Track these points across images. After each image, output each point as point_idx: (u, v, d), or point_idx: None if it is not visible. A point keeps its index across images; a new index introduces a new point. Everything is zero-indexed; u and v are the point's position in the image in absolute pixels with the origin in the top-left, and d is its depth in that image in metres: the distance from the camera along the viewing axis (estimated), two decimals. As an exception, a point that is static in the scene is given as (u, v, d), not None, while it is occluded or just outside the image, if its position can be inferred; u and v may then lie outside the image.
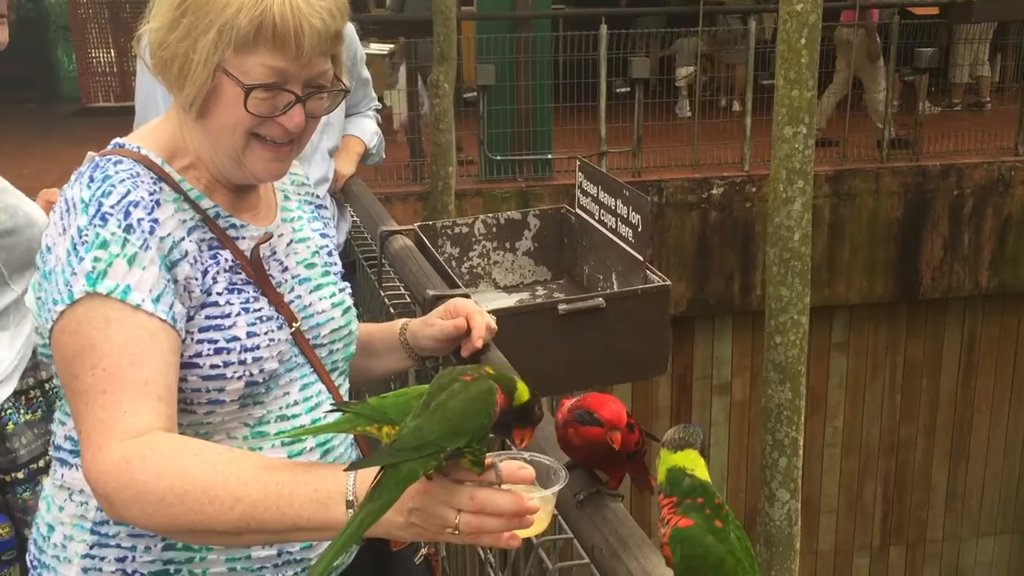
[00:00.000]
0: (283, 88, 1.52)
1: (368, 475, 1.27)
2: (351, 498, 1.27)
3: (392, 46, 8.79)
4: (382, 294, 2.92)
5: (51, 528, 1.61)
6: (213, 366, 1.52)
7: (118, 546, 1.55)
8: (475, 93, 8.44)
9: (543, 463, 1.45)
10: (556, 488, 1.40)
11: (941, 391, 9.37)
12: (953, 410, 9.43)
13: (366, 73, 3.82)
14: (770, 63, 8.06)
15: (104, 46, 13.90)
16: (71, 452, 1.59)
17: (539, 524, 1.38)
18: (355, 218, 3.68)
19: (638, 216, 2.91)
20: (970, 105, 11.28)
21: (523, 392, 1.32)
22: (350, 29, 3.64)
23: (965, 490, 9.63)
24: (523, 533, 1.30)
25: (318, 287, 1.72)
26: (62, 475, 1.61)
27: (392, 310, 2.79)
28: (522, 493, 1.26)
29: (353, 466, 1.29)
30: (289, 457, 1.61)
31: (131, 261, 1.44)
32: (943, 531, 9.68)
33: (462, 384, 1.29)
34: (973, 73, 11.13)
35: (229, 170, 1.59)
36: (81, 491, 1.57)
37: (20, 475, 2.29)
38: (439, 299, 2.24)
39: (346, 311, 1.76)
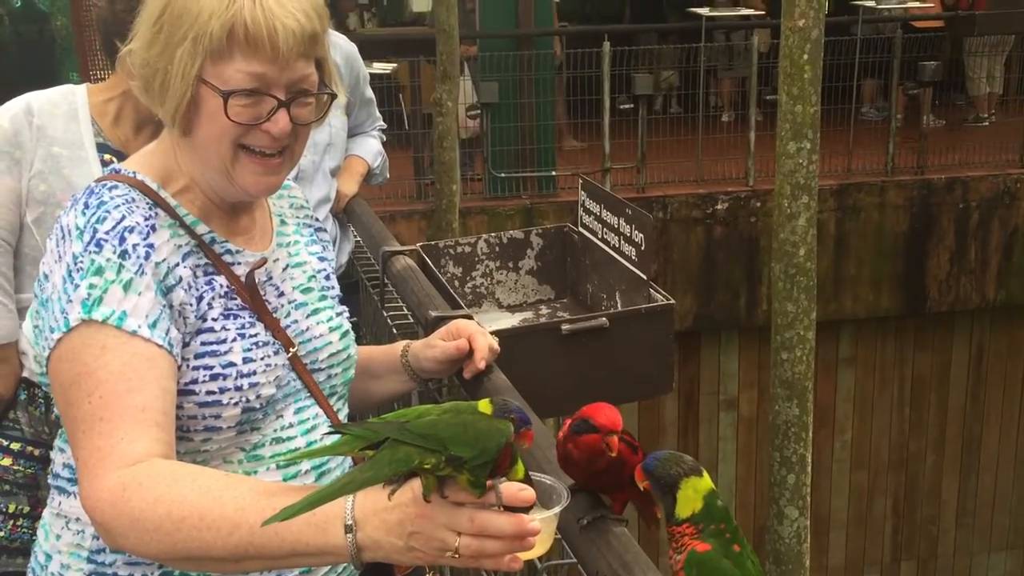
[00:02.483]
0: (264, 93, 1.50)
1: (368, 502, 1.26)
2: (349, 522, 1.25)
3: (395, 65, 8.79)
4: (385, 314, 2.91)
5: (48, 556, 1.60)
6: (209, 392, 1.50)
7: (115, 575, 1.53)
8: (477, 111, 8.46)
9: (544, 484, 1.43)
10: (557, 509, 1.38)
11: (950, 405, 9.32)
12: (962, 424, 9.37)
13: (370, 93, 3.81)
14: (772, 77, 8.05)
15: (109, 68, 13.90)
16: (69, 480, 1.58)
17: (541, 546, 1.37)
18: (358, 238, 3.67)
19: (641, 235, 2.90)
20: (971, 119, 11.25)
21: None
22: (353, 49, 3.64)
23: (976, 504, 9.56)
24: (524, 555, 1.29)
25: (315, 311, 1.71)
26: (59, 503, 1.60)
27: (395, 331, 2.77)
28: (523, 515, 1.24)
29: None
30: (284, 480, 1.59)
31: (127, 287, 1.43)
32: (954, 546, 9.60)
33: (486, 416, 1.31)
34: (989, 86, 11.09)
35: (221, 187, 1.57)
36: (78, 519, 1.55)
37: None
38: (441, 320, 2.23)
39: (344, 335, 1.74)
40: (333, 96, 1.61)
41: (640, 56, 9.60)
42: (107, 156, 2.44)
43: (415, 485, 1.23)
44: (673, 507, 1.38)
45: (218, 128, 1.51)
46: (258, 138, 1.53)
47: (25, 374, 2.44)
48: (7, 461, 2.40)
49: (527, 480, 1.32)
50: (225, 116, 1.49)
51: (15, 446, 2.42)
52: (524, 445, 1.36)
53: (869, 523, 9.41)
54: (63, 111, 2.45)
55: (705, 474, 1.39)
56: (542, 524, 1.29)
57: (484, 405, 1.41)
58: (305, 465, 1.62)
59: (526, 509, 1.25)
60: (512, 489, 1.25)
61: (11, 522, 2.39)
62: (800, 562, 5.34)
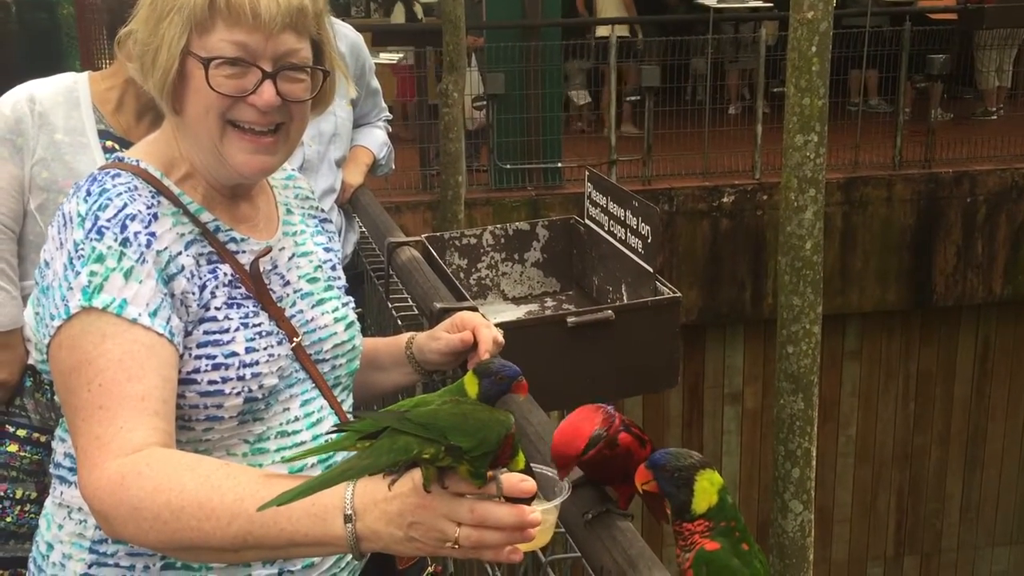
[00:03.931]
0: (249, 63, 1.49)
1: (368, 492, 1.25)
2: (349, 512, 1.25)
3: (402, 55, 8.78)
4: (390, 306, 2.90)
5: (50, 547, 1.59)
6: (211, 382, 1.49)
7: (117, 565, 1.53)
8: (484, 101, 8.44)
9: (545, 475, 1.42)
10: (558, 500, 1.38)
11: (955, 399, 9.30)
12: (967, 419, 9.35)
13: (376, 83, 3.80)
14: (780, 70, 8.01)
15: (111, 57, 13.91)
16: (70, 470, 1.57)
17: (541, 537, 1.36)
18: (363, 229, 3.66)
19: (647, 227, 2.88)
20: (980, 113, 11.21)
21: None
22: (358, 38, 3.62)
23: (980, 499, 9.55)
24: (525, 547, 1.28)
25: (320, 301, 1.70)
26: (61, 492, 1.60)
27: (400, 322, 2.76)
28: (524, 506, 1.23)
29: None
30: (289, 472, 1.58)
31: (127, 275, 1.43)
32: (958, 540, 9.60)
33: (486, 406, 1.32)
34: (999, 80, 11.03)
35: (214, 168, 1.56)
36: (80, 509, 1.55)
37: None
38: (446, 312, 2.22)
39: (349, 326, 1.73)
40: (327, 74, 1.59)
41: (645, 48, 9.57)
42: (109, 143, 2.47)
43: (415, 475, 1.23)
44: (690, 501, 1.36)
45: (204, 101, 1.50)
46: (245, 112, 1.52)
47: (30, 361, 2.45)
48: (13, 447, 2.43)
49: (528, 471, 1.31)
50: (208, 85, 1.48)
51: (21, 432, 2.44)
52: (520, 396, 1.36)
53: (873, 517, 9.40)
54: (65, 99, 2.48)
55: (715, 468, 1.38)
56: (543, 515, 1.28)
57: (469, 380, 1.41)
58: (311, 458, 1.61)
59: (527, 500, 1.24)
60: (513, 480, 1.24)
61: (18, 507, 2.42)
62: (804, 556, 5.33)
